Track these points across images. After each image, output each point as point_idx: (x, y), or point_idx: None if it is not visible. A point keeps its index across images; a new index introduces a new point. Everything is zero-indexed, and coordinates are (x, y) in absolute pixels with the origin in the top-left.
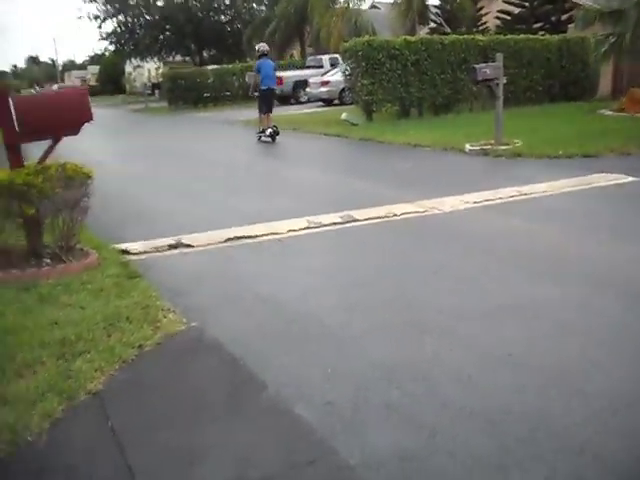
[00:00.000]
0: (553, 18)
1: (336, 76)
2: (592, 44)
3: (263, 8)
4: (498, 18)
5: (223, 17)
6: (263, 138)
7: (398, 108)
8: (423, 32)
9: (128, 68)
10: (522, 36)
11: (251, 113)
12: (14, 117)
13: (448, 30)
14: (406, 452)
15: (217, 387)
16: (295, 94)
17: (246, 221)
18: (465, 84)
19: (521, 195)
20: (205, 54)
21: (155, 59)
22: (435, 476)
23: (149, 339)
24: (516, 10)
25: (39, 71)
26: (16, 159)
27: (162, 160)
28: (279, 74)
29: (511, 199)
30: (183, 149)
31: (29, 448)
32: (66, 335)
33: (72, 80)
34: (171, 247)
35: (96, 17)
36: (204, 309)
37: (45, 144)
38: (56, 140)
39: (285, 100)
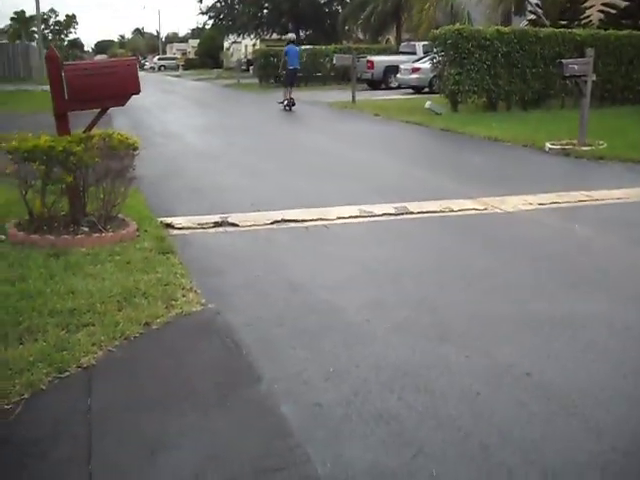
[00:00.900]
0: None
1: (427, 63)
2: None
3: None
4: (602, 12)
5: None
6: (282, 107)
7: (485, 100)
8: (522, 24)
9: (226, 43)
10: (624, 32)
11: (338, 95)
12: (65, 85)
13: (547, 23)
14: (382, 470)
15: (210, 374)
16: (385, 79)
17: (300, 204)
18: (557, 79)
19: (591, 200)
20: (302, 34)
21: (252, 36)
22: None
23: (159, 317)
24: (623, 3)
25: (143, 42)
26: (63, 126)
27: (236, 137)
28: (369, 58)
29: (579, 204)
30: (259, 127)
31: None
32: (78, 305)
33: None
34: (216, 225)
35: None
36: (229, 291)
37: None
38: (102, 110)
39: (375, 85)
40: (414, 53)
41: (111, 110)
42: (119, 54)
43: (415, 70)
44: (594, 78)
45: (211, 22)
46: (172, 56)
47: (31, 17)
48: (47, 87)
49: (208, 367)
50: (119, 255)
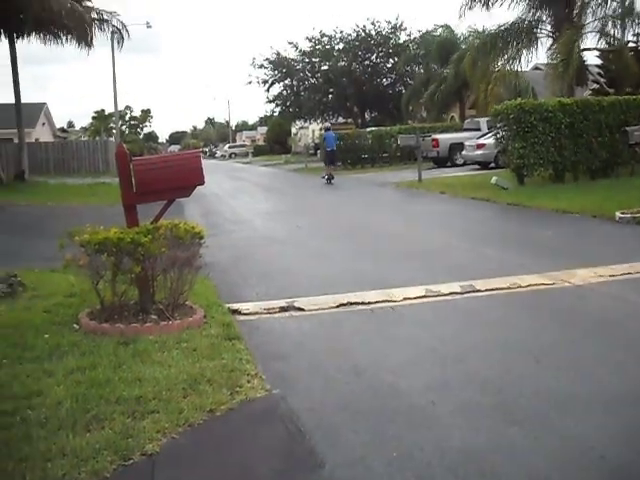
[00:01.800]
0: None
1: (492, 139)
2: None
3: (423, 71)
4: None
5: (385, 80)
6: (324, 181)
7: (551, 172)
8: (586, 94)
9: (294, 129)
10: None
11: (405, 174)
12: (133, 179)
13: (610, 91)
14: None
15: (273, 461)
16: (451, 157)
17: (366, 285)
18: (624, 147)
19: None
20: (367, 116)
21: (319, 120)
22: None
23: (223, 404)
24: None
25: (214, 132)
26: (132, 218)
27: (303, 220)
28: (434, 136)
29: None
30: (326, 209)
31: None
32: (144, 393)
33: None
34: (282, 309)
35: (264, 82)
36: (294, 376)
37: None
38: (169, 201)
39: (441, 163)
40: (478, 129)
41: (183, 199)
42: (192, 144)
43: (480, 146)
44: None
45: (278, 109)
46: (242, 143)
47: (110, 115)
48: None
49: (270, 454)
50: (186, 342)
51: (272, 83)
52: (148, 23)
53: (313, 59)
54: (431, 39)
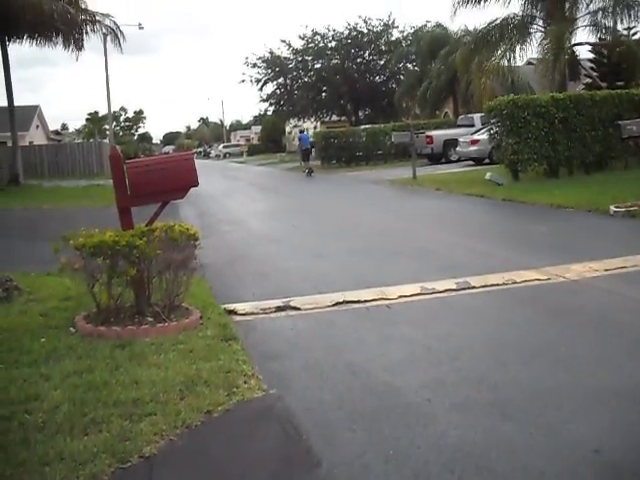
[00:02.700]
0: None
1: (486, 135)
2: None
3: (417, 69)
4: None
5: (378, 78)
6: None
7: (545, 167)
8: (578, 89)
9: (288, 128)
10: None
11: (399, 171)
12: (127, 181)
13: (603, 85)
14: None
15: (270, 461)
16: (445, 153)
17: (362, 283)
18: (618, 141)
19: None
20: (360, 114)
21: (312, 119)
22: None
23: (221, 405)
24: None
25: (208, 131)
26: (126, 221)
27: (298, 220)
28: (428, 133)
29: None
30: (321, 208)
31: None
32: (141, 395)
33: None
34: (278, 309)
35: (258, 80)
36: (290, 376)
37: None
38: (164, 203)
39: (435, 159)
40: (472, 125)
41: (178, 200)
42: (186, 144)
43: (474, 142)
44: None
45: (272, 108)
46: (236, 143)
47: (103, 116)
48: None
49: (268, 454)
50: (182, 344)
51: (265, 82)
52: (140, 24)
53: (306, 57)
54: (422, 35)
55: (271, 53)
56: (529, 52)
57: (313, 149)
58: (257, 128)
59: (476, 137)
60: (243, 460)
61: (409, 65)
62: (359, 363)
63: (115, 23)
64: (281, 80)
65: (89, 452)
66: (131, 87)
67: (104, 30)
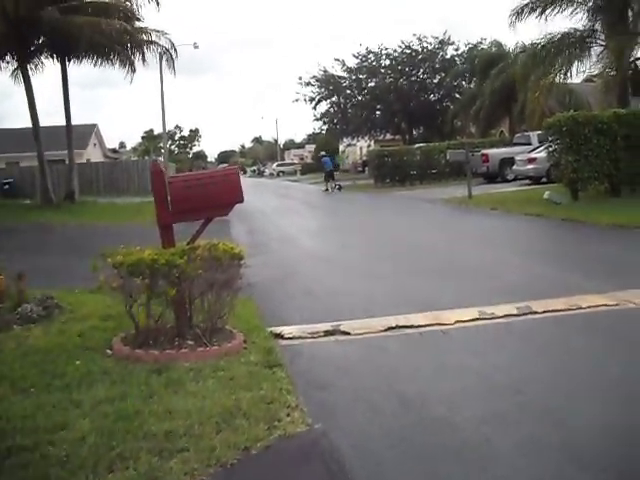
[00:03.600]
0: None
1: (543, 153)
2: None
3: (472, 86)
4: None
5: (432, 96)
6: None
7: (607, 186)
8: None
9: (341, 146)
10: None
11: (454, 190)
12: (169, 198)
13: None
14: None
15: None
16: (501, 172)
17: (415, 306)
18: None
19: None
20: (414, 132)
21: (366, 137)
22: None
23: (260, 440)
24: None
25: (262, 150)
26: (167, 238)
27: (350, 239)
28: (484, 151)
29: None
30: (373, 227)
31: None
32: (174, 427)
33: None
34: (327, 333)
35: (311, 99)
36: (337, 407)
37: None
38: (207, 220)
39: (491, 178)
40: (529, 143)
41: (230, 216)
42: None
43: (531, 160)
44: None
45: (325, 127)
46: (290, 162)
47: (159, 134)
48: None
49: None
50: (223, 370)
51: (319, 100)
52: (195, 44)
53: (360, 76)
54: (478, 53)
55: (325, 72)
56: (587, 68)
57: (339, 167)
58: (311, 147)
59: (533, 155)
60: None
61: (464, 83)
62: (412, 394)
63: (170, 41)
64: (335, 99)
65: None
66: (187, 105)
67: (159, 49)
